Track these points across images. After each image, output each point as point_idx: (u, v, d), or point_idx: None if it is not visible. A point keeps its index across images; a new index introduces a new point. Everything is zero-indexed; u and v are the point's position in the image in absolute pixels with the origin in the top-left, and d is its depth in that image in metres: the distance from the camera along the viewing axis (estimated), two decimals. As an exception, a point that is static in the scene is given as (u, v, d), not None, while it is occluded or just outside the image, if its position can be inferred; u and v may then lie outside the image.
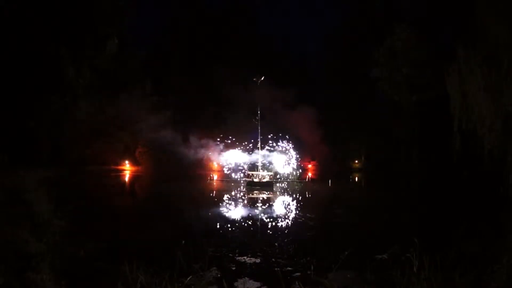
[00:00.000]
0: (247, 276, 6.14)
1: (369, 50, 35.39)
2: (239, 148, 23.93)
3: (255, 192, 19.39)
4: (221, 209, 14.05)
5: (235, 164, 23.88)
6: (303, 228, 10.61)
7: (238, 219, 11.99)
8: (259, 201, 16.79)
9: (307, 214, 12.61)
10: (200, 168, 28.03)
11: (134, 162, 33.91)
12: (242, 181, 23.05)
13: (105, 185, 22.46)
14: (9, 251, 6.20)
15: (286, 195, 18.53)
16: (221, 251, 7.63)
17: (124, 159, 33.35)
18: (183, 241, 5.31)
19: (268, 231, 10.28)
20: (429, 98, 31.16)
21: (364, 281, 5.37)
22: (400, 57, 34.67)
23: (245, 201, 16.48)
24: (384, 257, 5.69)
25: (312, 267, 5.90)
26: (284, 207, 15.05)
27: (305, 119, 31.17)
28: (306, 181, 24.61)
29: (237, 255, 7.42)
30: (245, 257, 7.25)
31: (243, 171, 23.83)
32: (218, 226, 10.75)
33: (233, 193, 19.07)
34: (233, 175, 23.96)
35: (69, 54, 27.91)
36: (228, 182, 23.37)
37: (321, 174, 31.24)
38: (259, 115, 22.77)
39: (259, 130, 22.84)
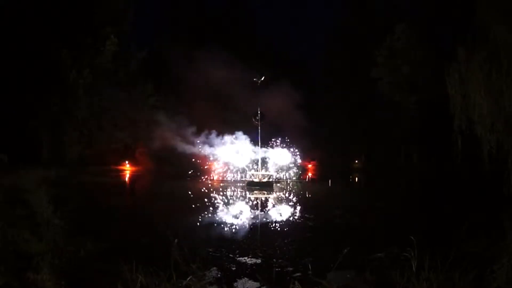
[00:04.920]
0: (246, 276, 6.14)
1: (369, 50, 35.42)
2: (239, 148, 23.93)
3: (255, 192, 19.39)
4: (220, 209, 14.05)
5: (235, 164, 23.90)
6: (303, 229, 10.61)
7: (238, 219, 11.99)
8: (259, 201, 16.78)
9: (306, 215, 12.61)
10: (200, 167, 28.04)
11: (134, 162, 33.96)
12: (242, 181, 23.07)
13: (105, 185, 22.48)
14: (9, 251, 6.20)
15: (286, 195, 18.52)
16: (221, 251, 7.64)
17: (124, 159, 33.39)
18: (176, 240, 5.30)
19: (268, 231, 10.27)
20: (429, 98, 31.18)
21: (364, 281, 5.37)
22: (400, 57, 34.73)
23: (245, 201, 16.47)
24: (381, 256, 5.69)
25: (311, 267, 5.91)
26: (284, 207, 15.04)
27: (305, 118, 31.20)
28: (306, 181, 24.62)
29: (237, 255, 7.41)
30: (245, 258, 7.25)
31: (243, 171, 23.86)
32: (217, 226, 10.76)
33: (233, 193, 19.08)
34: (233, 175, 23.98)
35: (70, 54, 27.94)
36: (228, 182, 23.39)
37: (321, 174, 31.24)
38: (259, 115, 22.78)
39: (259, 130, 22.86)
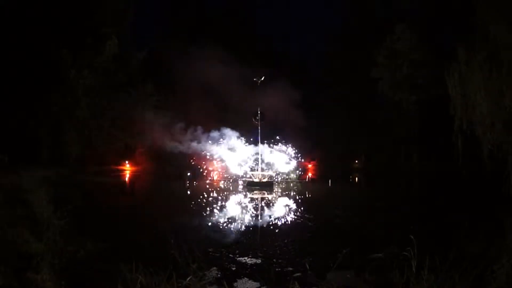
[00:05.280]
0: (246, 276, 6.14)
1: (369, 50, 35.41)
2: (238, 148, 23.94)
3: (255, 192, 19.38)
4: (220, 208, 14.05)
5: (235, 164, 23.90)
6: (303, 229, 10.61)
7: (238, 219, 11.98)
8: (259, 201, 16.78)
9: (306, 215, 12.61)
10: (200, 167, 28.04)
11: (134, 162, 33.95)
12: (242, 181, 23.07)
13: (105, 185, 22.48)
14: (9, 251, 6.20)
15: (286, 195, 18.52)
16: (221, 251, 7.64)
17: (124, 159, 33.38)
18: (175, 240, 5.29)
19: (268, 231, 10.27)
20: (429, 98, 31.20)
21: (363, 281, 5.37)
22: (400, 57, 34.75)
23: (245, 201, 16.47)
24: (381, 256, 5.68)
25: (311, 267, 5.90)
26: (284, 207, 15.04)
27: (305, 118, 31.16)
28: (306, 181, 24.61)
29: (237, 255, 7.41)
30: (245, 258, 7.25)
31: (243, 171, 23.86)
32: (217, 226, 10.76)
33: (232, 193, 19.07)
34: (232, 174, 23.99)
35: (70, 54, 27.92)
36: (227, 182, 23.39)
37: (321, 174, 31.24)
38: (259, 115, 22.77)
39: (259, 130, 22.85)
